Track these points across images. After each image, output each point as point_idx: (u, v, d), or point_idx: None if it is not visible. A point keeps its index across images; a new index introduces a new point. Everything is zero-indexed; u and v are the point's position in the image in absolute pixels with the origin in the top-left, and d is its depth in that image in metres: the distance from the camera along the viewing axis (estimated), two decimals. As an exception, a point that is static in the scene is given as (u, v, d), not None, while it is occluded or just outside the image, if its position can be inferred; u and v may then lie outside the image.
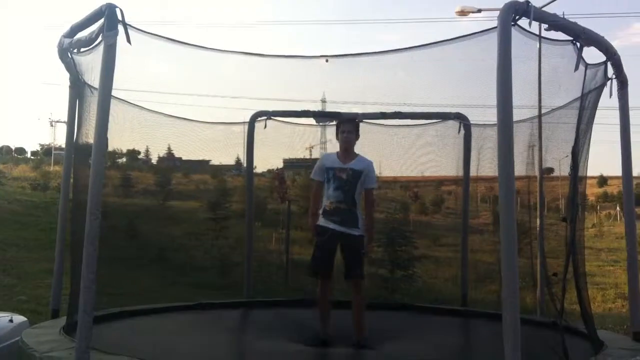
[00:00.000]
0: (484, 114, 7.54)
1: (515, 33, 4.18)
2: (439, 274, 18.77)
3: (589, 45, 4.85)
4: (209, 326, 6.74)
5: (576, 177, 5.19)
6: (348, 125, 6.20)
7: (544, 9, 5.19)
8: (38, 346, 4.80)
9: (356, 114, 6.61)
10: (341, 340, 6.02)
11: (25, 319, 6.72)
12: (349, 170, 6.01)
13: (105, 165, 4.57)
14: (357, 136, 6.22)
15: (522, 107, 5.54)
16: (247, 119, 8.51)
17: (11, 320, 6.36)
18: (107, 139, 4.36)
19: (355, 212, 6.01)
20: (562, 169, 5.92)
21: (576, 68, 4.80)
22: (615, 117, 5.90)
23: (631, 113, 5.87)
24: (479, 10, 17.50)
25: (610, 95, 5.67)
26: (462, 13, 17.78)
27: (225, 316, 7.52)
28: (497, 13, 4.23)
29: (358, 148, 6.23)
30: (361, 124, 7.65)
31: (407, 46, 6.31)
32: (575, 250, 5.16)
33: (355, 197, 6.00)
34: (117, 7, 4.48)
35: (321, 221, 6.07)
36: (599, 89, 5.53)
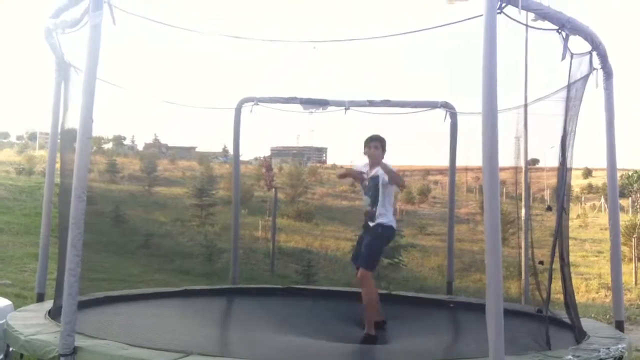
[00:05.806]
0: (469, 102, 7.50)
1: (501, 21, 4.11)
2: (424, 263, 18.85)
3: (574, 34, 4.82)
4: (194, 312, 6.73)
5: (565, 167, 5.19)
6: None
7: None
8: (23, 329, 4.79)
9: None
10: (328, 332, 6.04)
11: (9, 302, 6.69)
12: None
13: (90, 150, 4.54)
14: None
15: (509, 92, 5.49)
16: (234, 105, 8.46)
17: (-5, 304, 6.32)
18: (92, 120, 4.33)
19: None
20: (547, 160, 5.91)
21: (563, 57, 4.78)
22: (601, 108, 5.88)
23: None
24: (468, -2, 17.46)
25: (597, 85, 5.66)
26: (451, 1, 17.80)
27: (211, 302, 7.51)
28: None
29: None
30: (348, 112, 7.64)
31: (393, 33, 6.23)
32: (562, 239, 5.17)
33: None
34: None
35: None
36: (584, 79, 5.51)
